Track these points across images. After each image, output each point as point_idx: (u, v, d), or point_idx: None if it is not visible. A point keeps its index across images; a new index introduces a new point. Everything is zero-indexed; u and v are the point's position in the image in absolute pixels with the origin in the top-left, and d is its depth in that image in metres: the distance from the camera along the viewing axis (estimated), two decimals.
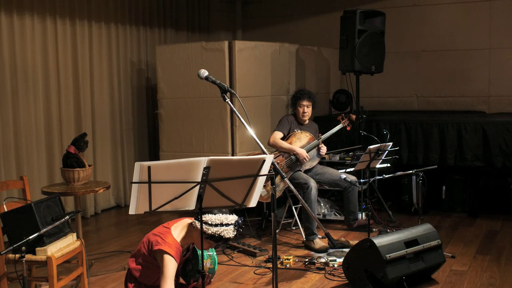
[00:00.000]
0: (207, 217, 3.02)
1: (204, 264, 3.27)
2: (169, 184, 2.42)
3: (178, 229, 3.11)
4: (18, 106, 5.52)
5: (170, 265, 2.91)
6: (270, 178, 2.79)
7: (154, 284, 3.09)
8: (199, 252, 3.19)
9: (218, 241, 3.06)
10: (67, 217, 3.48)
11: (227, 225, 3.03)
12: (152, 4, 7.36)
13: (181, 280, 3.34)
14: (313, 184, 5.01)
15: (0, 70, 5.36)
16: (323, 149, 5.26)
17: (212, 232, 3.00)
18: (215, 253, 3.44)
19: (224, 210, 3.05)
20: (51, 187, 4.51)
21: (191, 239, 3.12)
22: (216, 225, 3.01)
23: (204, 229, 3.01)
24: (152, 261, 3.04)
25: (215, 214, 3.03)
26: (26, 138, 5.61)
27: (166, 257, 2.92)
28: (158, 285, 3.00)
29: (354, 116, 5.56)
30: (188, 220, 3.17)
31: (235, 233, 3.07)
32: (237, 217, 3.10)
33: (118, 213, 6.65)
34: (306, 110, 5.26)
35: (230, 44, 5.84)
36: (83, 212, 6.18)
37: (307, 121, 5.36)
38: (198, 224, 3.04)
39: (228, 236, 3.03)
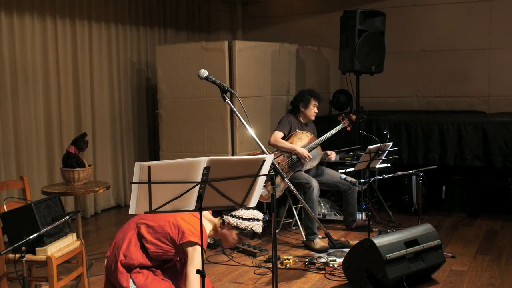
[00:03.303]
0: (240, 212, 3.22)
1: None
2: (169, 184, 2.42)
3: (205, 221, 3.25)
4: (18, 106, 5.52)
5: (200, 256, 2.97)
6: (270, 178, 2.79)
7: (160, 259, 3.19)
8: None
9: (249, 236, 3.24)
10: (67, 217, 3.48)
11: (258, 220, 3.25)
12: (152, 4, 7.36)
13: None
14: (315, 184, 5.02)
15: (0, 70, 5.37)
16: (332, 156, 5.31)
17: (245, 226, 3.20)
18: None
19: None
20: (51, 187, 4.51)
21: (216, 234, 3.28)
22: (249, 219, 3.22)
23: (238, 223, 3.20)
24: (179, 248, 3.10)
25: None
26: (26, 138, 5.61)
27: (198, 248, 3.02)
28: (165, 260, 3.20)
29: (354, 117, 5.57)
30: (207, 214, 3.32)
31: (261, 229, 3.28)
32: (262, 214, 3.30)
33: (118, 213, 6.65)
34: (317, 110, 5.31)
35: (230, 44, 5.84)
36: (83, 212, 6.18)
37: (307, 122, 5.38)
38: (231, 220, 3.23)
39: (258, 231, 3.25)
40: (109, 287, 3.19)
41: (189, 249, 3.05)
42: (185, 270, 3.02)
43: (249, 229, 3.24)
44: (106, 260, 3.21)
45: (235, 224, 3.24)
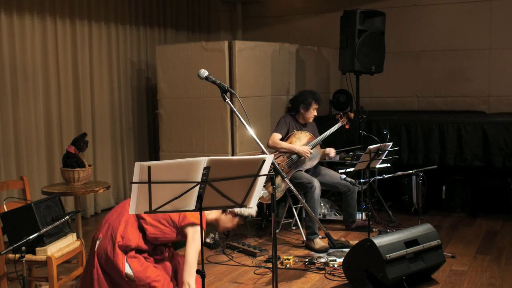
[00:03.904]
0: None
1: None
2: (169, 184, 2.42)
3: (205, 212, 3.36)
4: (18, 106, 5.52)
5: (200, 236, 3.00)
6: (270, 178, 2.79)
7: (156, 242, 3.23)
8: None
9: (242, 215, 3.45)
10: (67, 217, 3.48)
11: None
12: (152, 4, 7.36)
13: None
14: (316, 183, 5.02)
15: (0, 70, 5.37)
16: (331, 153, 5.31)
17: (247, 214, 3.43)
18: None
19: None
20: (51, 187, 4.51)
21: (214, 221, 3.42)
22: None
23: (242, 211, 3.41)
24: (180, 230, 3.14)
25: None
26: (26, 138, 5.61)
27: (199, 229, 3.02)
28: (158, 244, 3.26)
29: (352, 114, 5.59)
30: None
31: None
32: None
33: None
34: (316, 113, 5.32)
35: (230, 44, 5.84)
36: (83, 212, 6.18)
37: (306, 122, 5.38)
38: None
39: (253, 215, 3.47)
40: (101, 273, 3.16)
41: (190, 229, 3.09)
42: (185, 250, 3.05)
43: (248, 215, 3.45)
44: (98, 242, 3.18)
45: (238, 212, 3.42)
